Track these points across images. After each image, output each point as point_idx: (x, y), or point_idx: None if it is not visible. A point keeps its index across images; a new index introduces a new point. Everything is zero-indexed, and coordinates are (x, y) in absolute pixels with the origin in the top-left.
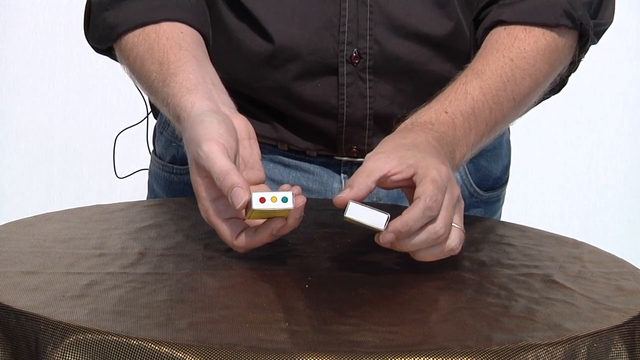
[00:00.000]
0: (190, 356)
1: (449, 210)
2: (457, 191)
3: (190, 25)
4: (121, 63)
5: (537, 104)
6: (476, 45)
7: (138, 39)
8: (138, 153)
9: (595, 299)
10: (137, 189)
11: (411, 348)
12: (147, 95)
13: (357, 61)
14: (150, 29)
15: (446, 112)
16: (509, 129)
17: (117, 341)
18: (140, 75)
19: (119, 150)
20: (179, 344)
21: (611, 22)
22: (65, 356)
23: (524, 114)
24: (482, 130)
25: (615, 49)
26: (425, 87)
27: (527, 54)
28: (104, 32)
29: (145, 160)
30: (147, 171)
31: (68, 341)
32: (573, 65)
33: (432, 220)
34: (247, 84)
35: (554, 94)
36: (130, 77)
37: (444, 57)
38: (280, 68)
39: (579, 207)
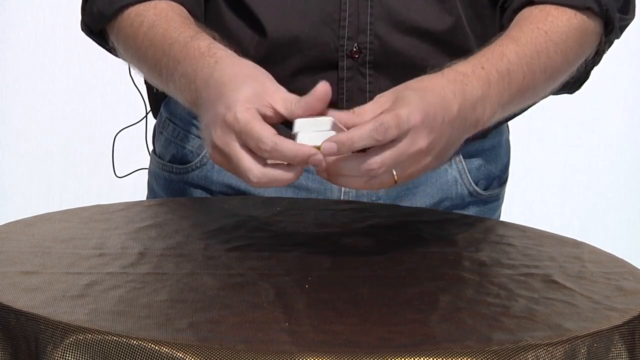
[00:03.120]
0: (190, 356)
1: (397, 154)
2: (421, 143)
3: (190, 11)
4: (116, 42)
5: (560, 91)
6: (501, 30)
7: (145, 7)
8: (137, 152)
9: (595, 299)
10: (137, 189)
11: (411, 348)
12: (153, 50)
13: (357, 56)
14: (155, 2)
15: (483, 68)
16: (508, 128)
17: (117, 341)
18: (150, 35)
19: (118, 150)
20: (179, 344)
21: (633, 17)
22: (65, 356)
23: (552, 92)
24: (514, 93)
25: (616, 49)
26: None
27: (559, 30)
28: (103, 6)
29: (145, 159)
30: (147, 171)
31: (68, 341)
32: (597, 56)
33: (376, 152)
34: None
35: (575, 89)
36: (127, 49)
37: (444, 53)
38: (279, 63)
39: (579, 207)
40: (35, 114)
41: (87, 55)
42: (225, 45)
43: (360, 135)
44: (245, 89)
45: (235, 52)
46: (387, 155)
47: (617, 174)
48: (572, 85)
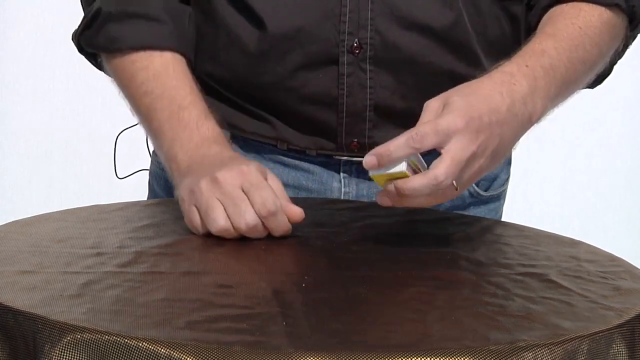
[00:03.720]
0: (187, 356)
1: (455, 160)
2: (471, 147)
3: (187, 59)
4: (111, 73)
5: (589, 85)
6: (529, 28)
7: (147, 61)
8: (138, 153)
9: (592, 298)
10: (137, 190)
11: (408, 347)
12: (160, 103)
13: (357, 51)
14: (156, 55)
15: (527, 66)
16: None
17: (115, 340)
18: (152, 81)
19: (119, 151)
20: (176, 344)
21: None
22: (63, 355)
23: (588, 84)
24: (559, 86)
25: None
26: (427, 78)
27: (592, 24)
28: (104, 42)
29: (146, 160)
30: (148, 171)
31: (65, 340)
32: (622, 51)
33: (436, 166)
34: (247, 80)
35: (598, 84)
36: (122, 86)
37: (445, 49)
38: (280, 59)
39: (579, 207)
40: (35, 114)
41: None
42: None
43: (396, 145)
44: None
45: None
46: (447, 163)
47: (617, 174)
48: (597, 79)
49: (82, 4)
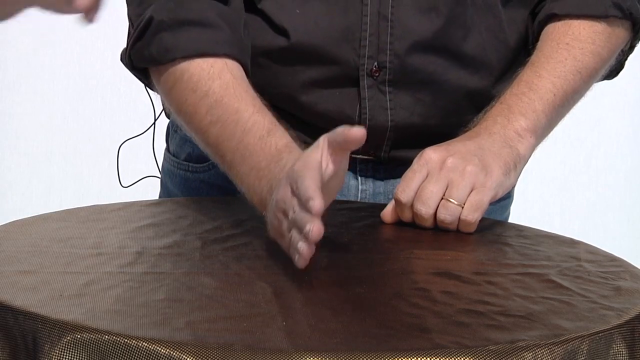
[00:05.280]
0: (187, 355)
1: (405, 176)
2: (429, 154)
3: (244, 66)
4: (165, 93)
5: (604, 78)
6: (533, 38)
7: (208, 73)
8: (139, 158)
9: (592, 298)
10: (137, 190)
11: (408, 347)
12: (219, 129)
13: (377, 74)
14: (216, 64)
15: (501, 103)
16: None
17: (115, 340)
18: (217, 112)
19: (121, 156)
20: (176, 343)
21: None
22: (63, 355)
23: (601, 79)
24: (549, 98)
25: None
26: (443, 95)
27: (582, 37)
28: (157, 52)
29: (147, 165)
30: (151, 177)
31: (65, 340)
32: (630, 49)
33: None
34: (263, 90)
35: (613, 77)
36: (182, 113)
37: (459, 66)
38: (300, 78)
39: (579, 207)
40: (35, 114)
41: (87, 55)
42: (299, 144)
43: (400, 187)
44: None
45: None
46: (415, 182)
47: (617, 174)
48: (610, 74)
49: (129, 15)
